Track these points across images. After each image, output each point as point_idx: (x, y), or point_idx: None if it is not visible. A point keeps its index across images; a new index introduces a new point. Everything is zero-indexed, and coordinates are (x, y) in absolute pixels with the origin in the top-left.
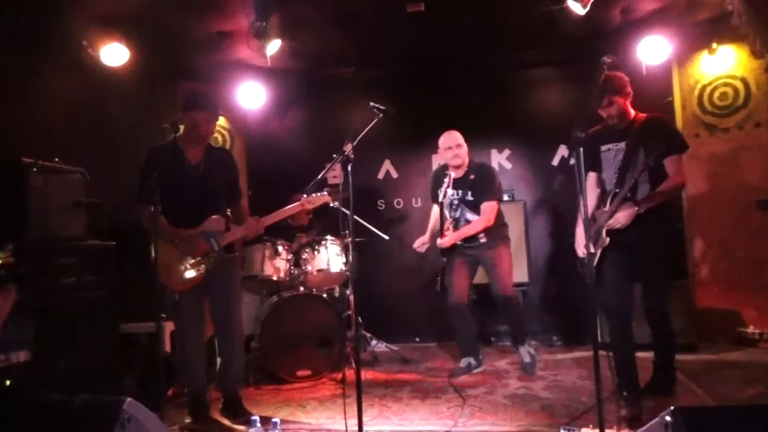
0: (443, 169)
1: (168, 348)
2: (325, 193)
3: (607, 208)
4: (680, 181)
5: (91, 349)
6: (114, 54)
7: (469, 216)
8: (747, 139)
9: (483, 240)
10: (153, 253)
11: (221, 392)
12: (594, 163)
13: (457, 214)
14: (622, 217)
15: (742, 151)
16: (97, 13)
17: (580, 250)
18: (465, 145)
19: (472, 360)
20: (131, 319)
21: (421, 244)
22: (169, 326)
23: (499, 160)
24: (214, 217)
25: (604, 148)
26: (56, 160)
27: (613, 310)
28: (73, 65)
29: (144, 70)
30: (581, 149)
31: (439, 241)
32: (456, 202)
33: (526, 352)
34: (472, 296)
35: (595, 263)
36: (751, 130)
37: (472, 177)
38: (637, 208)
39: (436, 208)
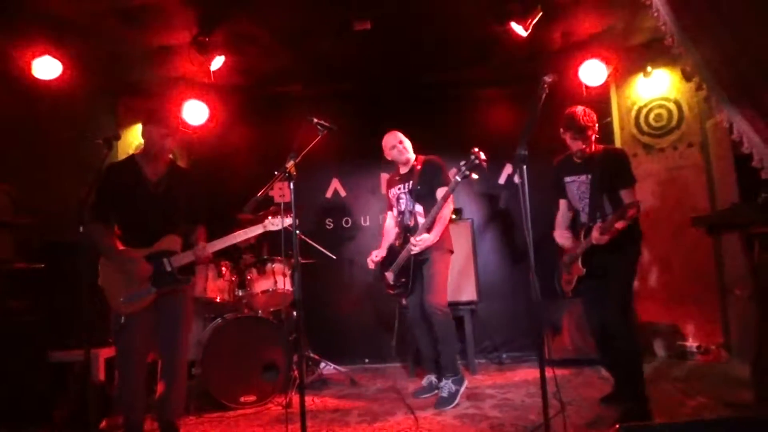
0: (394, 174)
1: (102, 376)
2: (289, 217)
3: (582, 241)
4: (636, 210)
5: (18, 379)
6: (46, 67)
7: (417, 207)
8: (681, 159)
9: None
10: (99, 274)
11: (158, 422)
12: (560, 192)
13: (402, 207)
14: (601, 237)
15: (676, 170)
16: (27, 24)
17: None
18: (407, 141)
19: (434, 378)
20: (66, 346)
21: (374, 257)
22: (102, 353)
23: None
24: (170, 236)
25: (568, 179)
26: None
27: (598, 331)
28: (1, 78)
29: (80, 83)
30: (524, 167)
31: (429, 237)
32: (402, 195)
33: (445, 385)
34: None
35: (570, 289)
36: (684, 150)
37: (418, 168)
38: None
39: (388, 218)
